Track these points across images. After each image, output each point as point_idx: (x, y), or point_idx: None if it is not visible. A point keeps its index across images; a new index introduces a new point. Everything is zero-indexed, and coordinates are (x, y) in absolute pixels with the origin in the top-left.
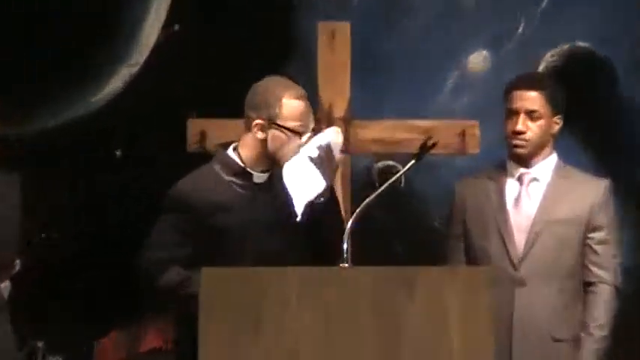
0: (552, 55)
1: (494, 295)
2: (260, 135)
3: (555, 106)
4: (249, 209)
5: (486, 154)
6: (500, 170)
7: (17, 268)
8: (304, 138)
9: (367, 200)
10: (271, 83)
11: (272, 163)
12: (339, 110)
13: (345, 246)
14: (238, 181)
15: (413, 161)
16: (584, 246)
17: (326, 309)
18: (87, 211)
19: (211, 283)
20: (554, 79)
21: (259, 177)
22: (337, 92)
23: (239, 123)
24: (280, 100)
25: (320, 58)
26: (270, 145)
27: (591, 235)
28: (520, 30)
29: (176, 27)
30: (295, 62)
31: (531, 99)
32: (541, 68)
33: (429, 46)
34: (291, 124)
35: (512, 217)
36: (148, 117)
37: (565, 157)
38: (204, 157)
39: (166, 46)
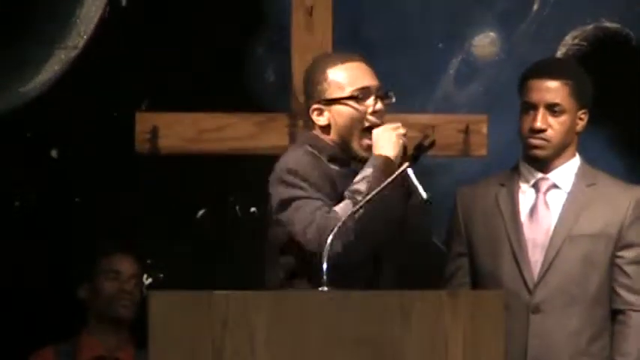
0: (575, 37)
1: (505, 325)
2: (321, 120)
3: (580, 98)
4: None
5: (495, 156)
6: (513, 175)
7: None
8: (369, 101)
9: (352, 210)
10: (315, 61)
11: (348, 153)
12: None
13: (324, 265)
14: (335, 167)
15: (407, 164)
16: (613, 266)
17: (303, 341)
18: (4, 230)
19: (163, 312)
20: (577, 66)
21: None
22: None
23: (198, 117)
24: (325, 72)
25: (294, 40)
26: (334, 127)
27: (621, 253)
28: (536, 6)
29: (123, 2)
30: (265, 44)
31: (553, 90)
32: (561, 53)
33: (427, 26)
34: (346, 91)
35: (527, 231)
36: (89, 110)
37: (590, 160)
38: (154, 159)
39: (111, 25)
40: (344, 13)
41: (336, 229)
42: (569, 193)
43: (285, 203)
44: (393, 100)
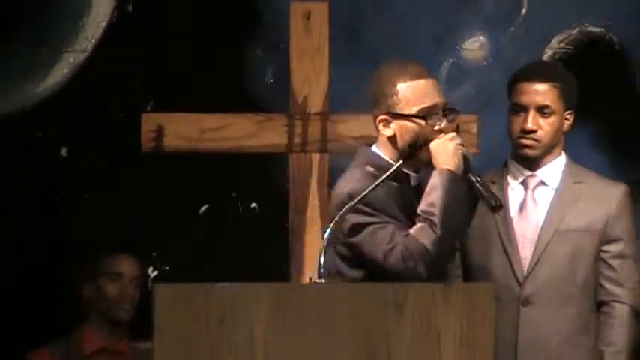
0: (560, 41)
1: (496, 317)
2: (387, 132)
3: (567, 100)
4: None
5: (486, 156)
6: (502, 173)
7: None
8: (435, 119)
9: (346, 207)
10: (385, 71)
11: (415, 162)
12: (316, 103)
13: (321, 259)
14: (395, 184)
15: (400, 162)
16: (599, 260)
17: (300, 335)
18: (13, 226)
19: (168, 304)
20: (564, 69)
21: (413, 179)
22: (313, 83)
23: (201, 117)
24: (395, 86)
25: (293, 43)
26: (399, 140)
27: (607, 247)
28: (523, 11)
29: (129, 8)
30: (264, 47)
31: (542, 93)
32: (547, 56)
33: (417, 30)
34: (414, 109)
35: (517, 226)
36: (97, 111)
37: (575, 158)
38: (160, 158)
39: (118, 29)
40: (340, 18)
41: (418, 255)
42: (556, 190)
43: (358, 228)
44: (459, 113)
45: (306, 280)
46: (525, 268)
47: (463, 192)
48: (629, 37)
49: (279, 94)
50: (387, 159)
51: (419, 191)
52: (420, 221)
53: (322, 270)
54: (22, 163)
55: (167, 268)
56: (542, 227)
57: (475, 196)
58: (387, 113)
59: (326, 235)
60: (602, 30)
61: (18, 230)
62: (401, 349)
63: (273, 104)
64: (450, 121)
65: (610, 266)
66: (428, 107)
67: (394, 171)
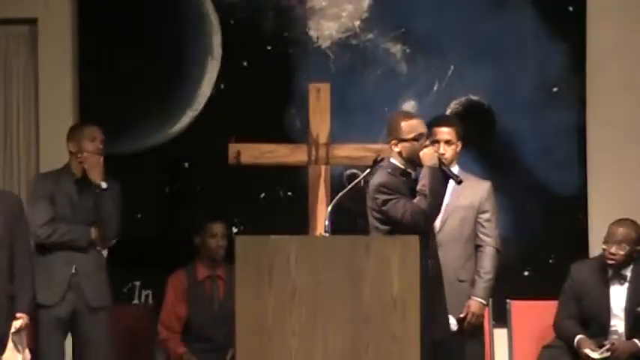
0: (456, 104)
1: (419, 253)
2: (396, 149)
3: (459, 135)
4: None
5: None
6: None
7: (114, 242)
8: (422, 141)
9: (340, 194)
10: (394, 116)
11: (412, 166)
12: (323, 138)
13: (326, 222)
14: (404, 178)
15: (368, 170)
16: (477, 222)
17: (314, 263)
18: (159, 205)
19: (245, 248)
20: (457, 118)
21: (413, 174)
22: (321, 126)
23: (261, 146)
24: (400, 123)
25: (310, 105)
26: (403, 154)
27: (480, 215)
28: (435, 88)
29: (222, 86)
30: (295, 108)
31: (447, 133)
32: (449, 111)
33: (379, 97)
34: (410, 135)
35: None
36: (204, 142)
37: (462, 167)
38: (239, 168)
39: (216, 97)
40: (336, 92)
41: (420, 214)
42: (453, 184)
43: (386, 202)
44: (431, 140)
45: (317, 234)
46: (438, 226)
47: (440, 178)
48: (493, 102)
49: (303, 133)
50: (398, 164)
51: (416, 181)
52: (418, 195)
53: (327, 229)
54: (162, 171)
55: (242, 228)
56: (446, 204)
57: (447, 177)
58: (396, 138)
59: (328, 209)
60: (478, 98)
61: (161, 210)
62: (368, 270)
63: (300, 138)
64: (430, 142)
65: (483, 225)
66: (418, 134)
67: (364, 176)
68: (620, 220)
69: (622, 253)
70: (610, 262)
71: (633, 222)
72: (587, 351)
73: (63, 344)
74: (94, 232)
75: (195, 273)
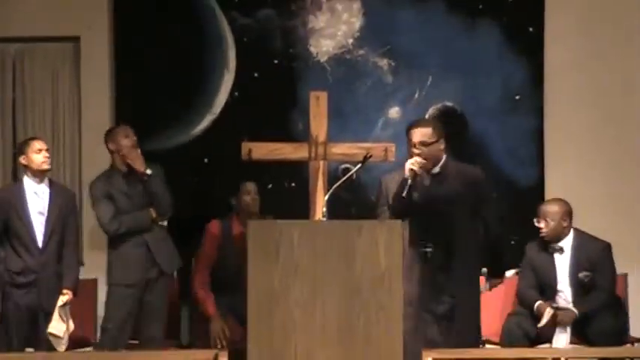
0: (433, 109)
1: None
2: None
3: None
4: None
5: (400, 161)
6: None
7: (170, 214)
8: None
9: (335, 185)
10: (411, 124)
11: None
12: (321, 137)
13: (324, 209)
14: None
15: (359, 165)
16: None
17: (314, 244)
18: (183, 195)
19: (256, 232)
20: (436, 120)
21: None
22: (320, 128)
23: (269, 144)
24: (409, 132)
25: (311, 110)
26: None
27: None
28: (416, 96)
29: (236, 94)
30: (298, 112)
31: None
32: (428, 115)
33: (368, 103)
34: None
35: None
36: (220, 141)
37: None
38: (250, 163)
39: (231, 103)
40: (333, 99)
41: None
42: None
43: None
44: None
45: (317, 219)
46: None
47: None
48: (465, 108)
49: (305, 134)
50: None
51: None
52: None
53: (324, 214)
54: (184, 170)
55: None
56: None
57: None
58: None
59: (325, 197)
60: (452, 104)
61: (185, 198)
62: (359, 250)
63: (302, 138)
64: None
65: None
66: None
67: (356, 170)
68: (548, 200)
69: (549, 226)
70: (541, 235)
71: (559, 200)
72: (543, 320)
73: (132, 316)
74: (152, 212)
75: (231, 226)
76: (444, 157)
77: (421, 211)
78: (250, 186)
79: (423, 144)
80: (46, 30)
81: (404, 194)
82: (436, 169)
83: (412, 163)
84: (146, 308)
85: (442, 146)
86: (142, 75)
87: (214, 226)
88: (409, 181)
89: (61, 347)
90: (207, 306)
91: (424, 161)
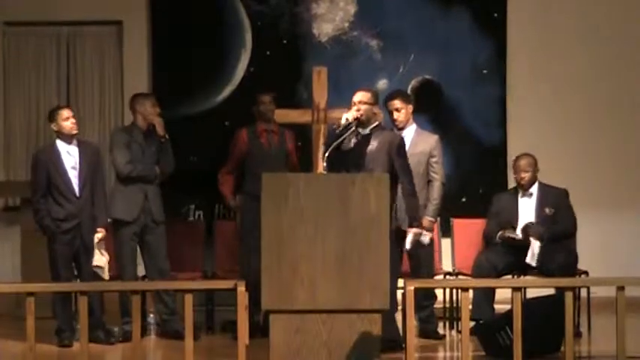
0: (414, 82)
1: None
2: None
3: (406, 101)
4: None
5: (385, 124)
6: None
7: (169, 174)
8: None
9: (333, 145)
10: (373, 92)
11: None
12: (322, 105)
13: (323, 164)
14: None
15: (352, 128)
16: (428, 164)
17: (316, 193)
18: (208, 151)
19: (269, 183)
20: (406, 92)
21: (364, 131)
22: (321, 97)
23: (279, 111)
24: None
25: (314, 82)
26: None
27: (431, 159)
28: (400, 70)
29: (251, 69)
30: (303, 85)
31: (394, 103)
32: (409, 88)
33: (361, 77)
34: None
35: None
36: (244, 106)
37: (420, 126)
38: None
39: (248, 77)
40: (331, 74)
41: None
42: (411, 137)
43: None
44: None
45: (318, 172)
46: None
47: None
48: (441, 80)
49: (309, 102)
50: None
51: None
52: None
53: (325, 168)
54: (210, 130)
55: None
56: (408, 150)
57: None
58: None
59: (326, 154)
60: (431, 77)
61: (210, 155)
62: (354, 198)
63: (307, 105)
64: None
65: (432, 166)
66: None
67: (350, 133)
68: (518, 156)
69: (529, 175)
70: (522, 183)
71: (529, 154)
72: (508, 232)
73: (136, 251)
74: (158, 169)
75: (256, 129)
76: (377, 122)
77: (348, 164)
78: (266, 97)
79: (360, 102)
80: (94, 15)
81: (333, 144)
82: (366, 131)
83: (347, 116)
84: (146, 247)
85: (377, 111)
86: (174, 54)
87: (243, 133)
88: (337, 131)
89: (106, 275)
90: (225, 189)
91: (357, 114)
